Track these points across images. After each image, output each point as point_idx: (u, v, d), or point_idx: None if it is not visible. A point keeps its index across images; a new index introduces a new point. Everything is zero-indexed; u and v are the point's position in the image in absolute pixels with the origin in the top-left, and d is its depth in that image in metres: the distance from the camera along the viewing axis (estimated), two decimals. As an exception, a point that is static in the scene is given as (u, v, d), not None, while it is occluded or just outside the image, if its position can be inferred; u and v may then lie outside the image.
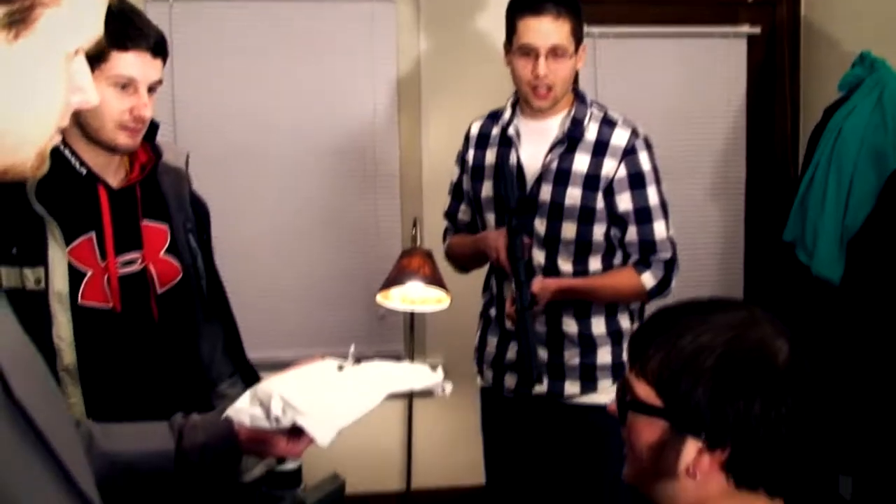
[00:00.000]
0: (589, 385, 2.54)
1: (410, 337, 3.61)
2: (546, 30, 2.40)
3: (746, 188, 3.93)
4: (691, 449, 1.20)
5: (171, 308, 1.96)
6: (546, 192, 2.46)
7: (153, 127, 1.94)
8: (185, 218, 2.01)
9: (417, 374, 1.38)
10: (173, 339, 1.97)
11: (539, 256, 2.51)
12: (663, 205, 2.50)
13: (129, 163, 1.96)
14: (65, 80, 0.98)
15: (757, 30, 3.86)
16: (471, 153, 2.66)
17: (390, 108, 3.68)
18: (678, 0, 3.83)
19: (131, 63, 1.81)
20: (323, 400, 1.26)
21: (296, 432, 1.30)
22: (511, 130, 2.54)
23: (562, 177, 2.46)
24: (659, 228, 2.48)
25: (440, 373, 1.39)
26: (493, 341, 2.70)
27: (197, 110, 3.50)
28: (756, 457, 1.20)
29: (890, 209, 2.83)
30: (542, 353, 2.54)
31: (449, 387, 1.39)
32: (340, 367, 1.35)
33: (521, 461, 2.73)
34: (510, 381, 2.63)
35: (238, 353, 2.16)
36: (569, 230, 2.46)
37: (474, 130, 2.69)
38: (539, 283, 2.41)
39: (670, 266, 2.49)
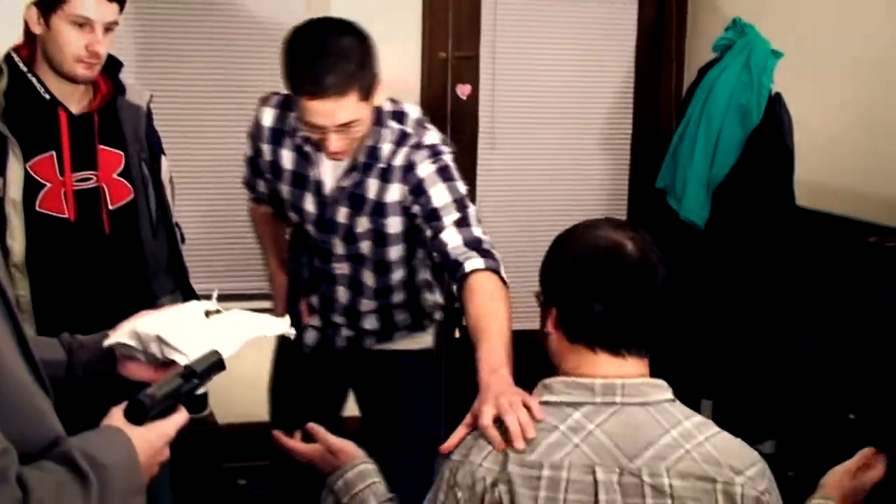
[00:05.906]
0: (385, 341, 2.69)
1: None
2: (329, 110, 2.20)
3: (632, 140, 4.46)
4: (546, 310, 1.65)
5: (121, 223, 2.41)
6: (342, 215, 2.50)
7: (117, 64, 2.39)
8: (139, 148, 2.45)
9: (269, 323, 1.70)
10: (121, 250, 2.42)
11: (344, 269, 2.59)
12: (459, 201, 2.36)
13: (93, 94, 2.40)
14: None
15: (648, -10, 4.35)
16: (265, 147, 2.53)
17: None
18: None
19: (88, 5, 2.22)
20: (195, 343, 1.52)
21: (163, 365, 1.55)
22: (308, 147, 2.45)
23: (356, 201, 2.47)
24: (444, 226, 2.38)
25: (287, 320, 1.73)
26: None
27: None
28: (571, 314, 1.60)
29: (752, 161, 3.38)
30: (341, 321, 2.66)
31: (293, 331, 1.74)
32: (207, 314, 1.62)
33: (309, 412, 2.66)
34: (310, 337, 2.69)
35: (180, 272, 2.60)
36: (365, 248, 2.55)
37: (267, 122, 2.50)
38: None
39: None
